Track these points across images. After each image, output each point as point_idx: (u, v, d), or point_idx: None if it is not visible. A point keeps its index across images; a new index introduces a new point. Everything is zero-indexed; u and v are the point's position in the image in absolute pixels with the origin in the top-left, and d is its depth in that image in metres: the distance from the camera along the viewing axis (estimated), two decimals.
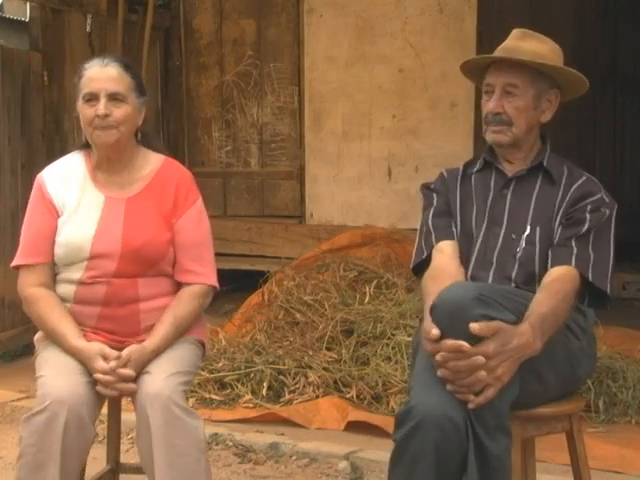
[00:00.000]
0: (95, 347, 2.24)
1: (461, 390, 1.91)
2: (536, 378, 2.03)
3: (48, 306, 2.31)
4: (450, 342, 1.91)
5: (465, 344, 1.89)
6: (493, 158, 2.32)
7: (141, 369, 2.24)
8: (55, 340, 2.30)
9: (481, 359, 1.88)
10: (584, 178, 2.24)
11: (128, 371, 2.21)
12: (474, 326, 1.88)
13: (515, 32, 2.29)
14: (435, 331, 1.94)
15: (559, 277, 2.11)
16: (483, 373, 1.89)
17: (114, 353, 2.22)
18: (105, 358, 2.22)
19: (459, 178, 2.34)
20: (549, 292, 2.06)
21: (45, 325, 2.32)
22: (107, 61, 2.35)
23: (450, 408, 1.89)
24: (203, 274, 2.38)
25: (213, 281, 2.41)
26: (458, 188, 2.33)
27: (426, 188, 2.39)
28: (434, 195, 2.35)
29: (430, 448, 1.88)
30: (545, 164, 2.27)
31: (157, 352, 2.28)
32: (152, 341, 2.28)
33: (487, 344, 1.90)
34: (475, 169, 2.34)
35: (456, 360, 1.90)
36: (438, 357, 1.92)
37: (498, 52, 2.27)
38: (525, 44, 2.23)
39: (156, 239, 2.34)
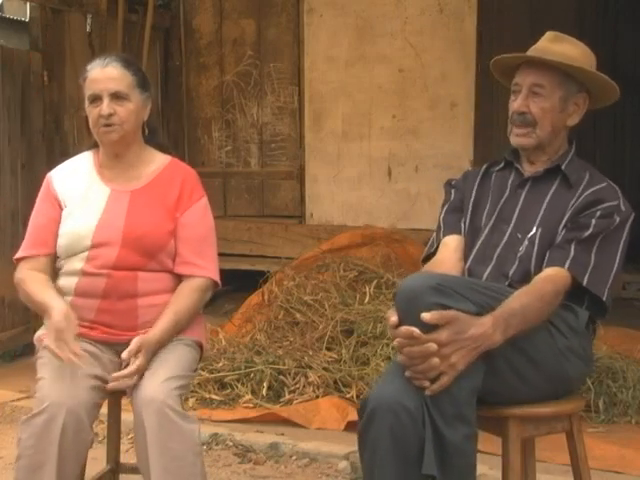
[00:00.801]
0: (62, 305, 2.23)
1: (417, 376, 1.93)
2: (514, 374, 2.04)
3: (35, 281, 2.33)
4: (404, 328, 1.94)
5: (416, 330, 1.91)
6: (514, 158, 2.34)
7: (150, 359, 2.25)
8: (37, 307, 2.31)
9: (433, 346, 1.90)
10: (603, 185, 2.23)
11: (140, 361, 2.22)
12: (424, 315, 1.91)
13: (548, 34, 2.30)
14: (393, 318, 1.98)
15: (544, 277, 2.12)
16: (436, 360, 1.90)
17: (74, 323, 2.19)
18: (66, 318, 2.18)
19: (480, 175, 2.38)
20: (527, 289, 2.08)
21: (30, 298, 2.33)
22: (108, 60, 2.39)
23: (405, 395, 1.93)
24: (204, 267, 2.40)
25: (214, 276, 2.42)
26: (476, 185, 2.36)
27: (448, 184, 2.44)
28: (452, 191, 2.40)
29: (385, 434, 1.92)
30: (563, 167, 2.26)
31: (160, 344, 2.29)
32: (154, 332, 2.29)
33: (440, 332, 1.91)
34: (497, 168, 2.37)
35: (410, 346, 1.92)
36: (395, 343, 1.97)
37: (529, 53, 2.27)
38: (556, 46, 2.23)
39: (157, 229, 2.36)
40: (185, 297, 2.36)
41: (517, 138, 2.26)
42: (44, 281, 2.35)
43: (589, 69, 2.24)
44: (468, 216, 2.33)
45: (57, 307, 2.22)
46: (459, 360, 1.92)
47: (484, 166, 2.41)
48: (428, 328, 1.91)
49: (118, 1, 5.32)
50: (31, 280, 2.35)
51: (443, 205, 2.41)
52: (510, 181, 2.32)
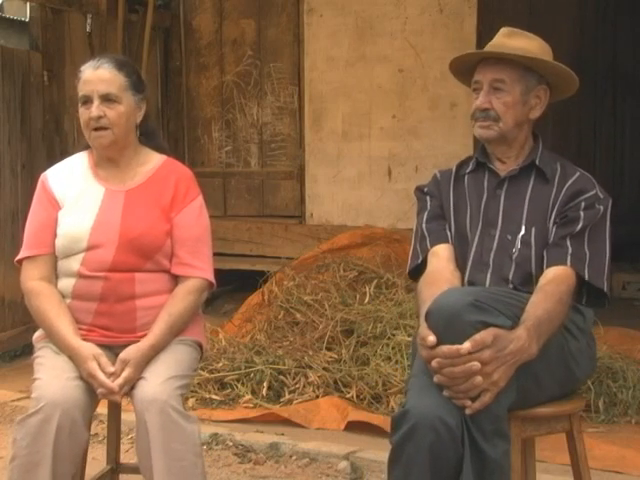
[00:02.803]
0: (89, 349, 2.25)
1: (457, 396, 1.90)
2: (533, 380, 2.03)
3: (48, 301, 2.33)
4: (446, 347, 1.90)
5: (463, 348, 1.89)
6: (485, 158, 2.31)
7: (141, 369, 2.25)
8: (51, 336, 2.31)
9: (477, 365, 1.88)
10: (577, 175, 2.23)
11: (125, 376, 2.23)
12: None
13: (503, 30, 2.29)
14: (432, 337, 1.93)
15: (554, 278, 2.10)
16: (479, 379, 1.88)
17: (108, 364, 2.23)
18: (98, 363, 2.22)
19: (452, 179, 2.33)
20: (544, 294, 2.06)
21: (43, 320, 2.33)
22: (100, 62, 2.38)
23: (445, 412, 1.89)
24: (200, 268, 2.39)
25: (210, 276, 2.42)
26: (451, 190, 2.32)
27: (420, 191, 2.38)
28: (427, 198, 2.34)
29: (425, 451, 1.88)
30: (537, 162, 2.26)
31: (154, 349, 2.28)
32: (147, 339, 2.29)
33: (483, 350, 1.89)
34: (468, 170, 2.33)
35: (452, 366, 1.90)
36: (434, 363, 1.92)
37: (486, 49, 2.27)
38: (512, 41, 2.23)
39: (153, 229, 2.35)
40: (180, 300, 2.35)
41: (480, 130, 2.26)
42: (61, 305, 2.33)
43: (548, 60, 2.23)
44: (452, 223, 2.28)
45: (87, 355, 2.24)
46: (501, 377, 1.91)
47: (453, 169, 2.37)
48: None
49: (118, 1, 5.32)
50: (46, 299, 2.32)
51: (419, 213, 2.35)
52: (486, 182, 2.29)
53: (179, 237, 2.38)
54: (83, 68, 2.39)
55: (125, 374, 2.22)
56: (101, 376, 2.21)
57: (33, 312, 2.37)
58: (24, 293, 2.39)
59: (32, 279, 2.36)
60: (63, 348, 2.27)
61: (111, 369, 2.22)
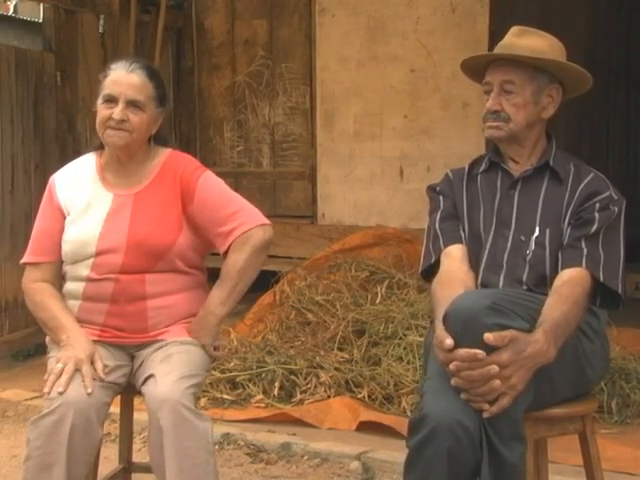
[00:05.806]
0: (91, 345, 2.26)
1: (475, 399, 1.90)
2: (547, 381, 2.02)
3: (50, 296, 2.36)
4: (464, 351, 1.90)
5: (481, 352, 1.88)
6: (498, 158, 2.30)
7: (217, 330, 2.40)
8: (51, 327, 2.33)
9: (495, 368, 1.87)
10: (591, 176, 2.21)
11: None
12: (488, 336, 1.87)
13: (513, 29, 2.26)
14: (449, 341, 1.92)
15: (569, 280, 2.08)
16: (497, 382, 1.88)
17: (100, 364, 2.25)
18: (92, 361, 2.24)
19: (465, 179, 2.31)
20: (560, 296, 2.04)
21: (42, 313, 2.36)
22: (134, 66, 2.35)
23: (463, 415, 1.88)
24: (242, 223, 2.38)
25: (257, 220, 2.42)
26: (464, 190, 2.30)
27: (432, 190, 2.36)
28: (440, 198, 2.32)
29: (443, 455, 1.87)
30: (551, 163, 2.24)
31: (226, 305, 2.39)
32: (206, 306, 2.38)
33: (501, 353, 1.89)
34: (481, 169, 2.31)
35: (470, 369, 1.89)
36: (452, 366, 1.91)
37: (496, 50, 2.25)
38: (522, 40, 2.20)
39: (161, 229, 2.35)
40: (239, 252, 2.37)
41: (489, 130, 2.24)
42: (60, 301, 2.37)
43: (557, 60, 2.20)
44: (465, 224, 2.27)
45: (83, 342, 2.26)
46: (519, 380, 1.90)
47: (466, 168, 2.35)
48: (487, 350, 1.89)
49: (131, 2, 5.34)
50: (46, 295, 2.36)
51: (432, 213, 2.33)
52: (499, 183, 2.27)
53: (208, 217, 2.37)
54: (114, 67, 2.37)
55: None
56: (88, 369, 2.21)
57: (32, 309, 2.40)
58: (25, 293, 2.42)
59: (33, 281, 2.40)
60: (64, 335, 2.28)
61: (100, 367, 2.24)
